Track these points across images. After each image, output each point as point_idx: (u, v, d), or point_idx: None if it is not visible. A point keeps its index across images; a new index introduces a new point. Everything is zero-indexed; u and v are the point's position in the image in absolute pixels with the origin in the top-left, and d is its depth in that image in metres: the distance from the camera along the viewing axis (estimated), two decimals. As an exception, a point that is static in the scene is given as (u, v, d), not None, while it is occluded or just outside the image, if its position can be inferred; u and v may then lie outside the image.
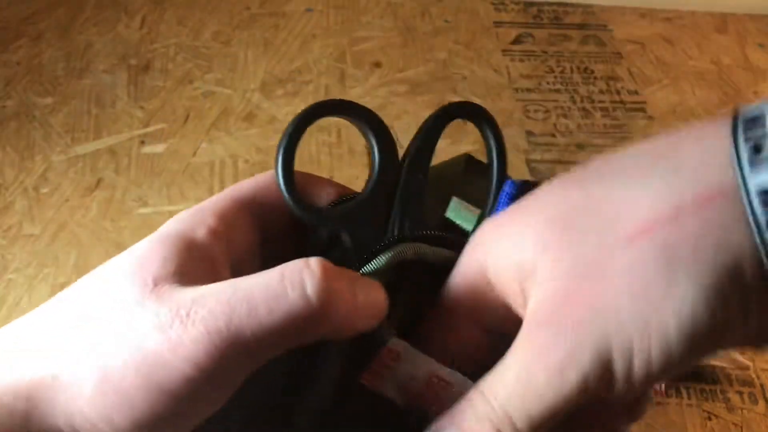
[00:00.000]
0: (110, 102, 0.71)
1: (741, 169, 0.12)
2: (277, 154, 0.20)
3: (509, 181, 0.23)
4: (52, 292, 0.52)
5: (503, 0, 0.91)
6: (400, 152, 0.23)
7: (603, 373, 0.14)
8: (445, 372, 0.19)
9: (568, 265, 0.15)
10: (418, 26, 0.84)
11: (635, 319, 0.14)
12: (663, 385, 0.45)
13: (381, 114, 0.22)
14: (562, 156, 0.67)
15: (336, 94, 0.73)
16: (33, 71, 0.74)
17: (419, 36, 0.83)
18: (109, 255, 0.61)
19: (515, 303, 0.17)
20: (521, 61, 0.80)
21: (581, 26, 0.87)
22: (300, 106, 0.71)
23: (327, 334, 0.17)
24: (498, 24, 0.86)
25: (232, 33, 0.81)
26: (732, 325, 0.14)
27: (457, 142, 0.67)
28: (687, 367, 0.15)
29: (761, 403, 0.46)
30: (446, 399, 0.19)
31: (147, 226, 0.57)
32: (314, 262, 0.17)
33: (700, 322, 0.13)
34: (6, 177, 0.62)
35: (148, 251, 0.18)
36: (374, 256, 0.21)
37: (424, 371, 0.19)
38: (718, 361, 0.45)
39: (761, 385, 0.47)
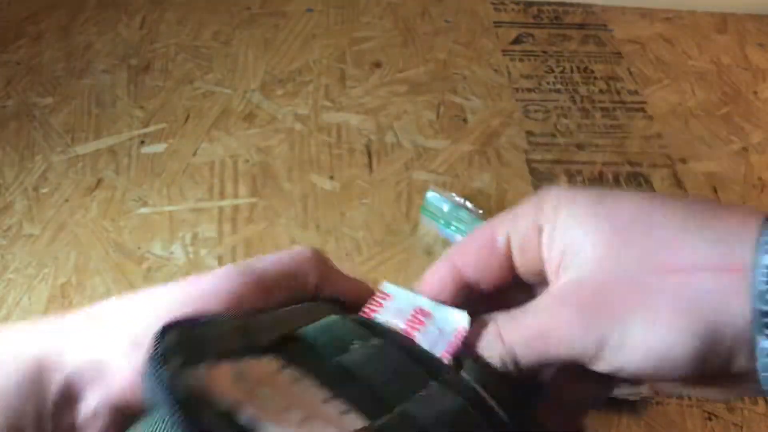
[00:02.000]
0: (110, 102, 0.71)
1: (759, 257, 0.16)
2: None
3: None
4: (52, 293, 0.52)
5: (503, 0, 0.91)
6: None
7: (593, 352, 0.19)
8: (429, 304, 0.22)
9: (611, 265, 0.19)
10: (418, 26, 0.84)
11: (638, 330, 0.18)
12: (663, 385, 0.45)
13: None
14: (562, 156, 0.67)
15: (336, 94, 0.73)
16: (33, 71, 0.74)
17: (419, 36, 0.83)
18: (109, 255, 0.61)
19: (548, 265, 0.21)
20: (521, 61, 0.80)
21: (581, 26, 0.87)
22: (300, 106, 0.71)
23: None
24: (498, 24, 0.86)
25: (232, 33, 0.81)
26: (701, 369, 0.17)
27: (457, 142, 0.67)
28: (648, 380, 0.20)
29: (761, 403, 0.46)
30: (428, 325, 0.22)
31: (147, 226, 0.57)
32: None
33: (671, 356, 0.17)
34: (6, 177, 0.62)
35: None
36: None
37: (410, 305, 0.22)
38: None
39: (761, 385, 0.47)
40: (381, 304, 0.22)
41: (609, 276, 0.19)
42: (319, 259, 0.23)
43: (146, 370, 0.16)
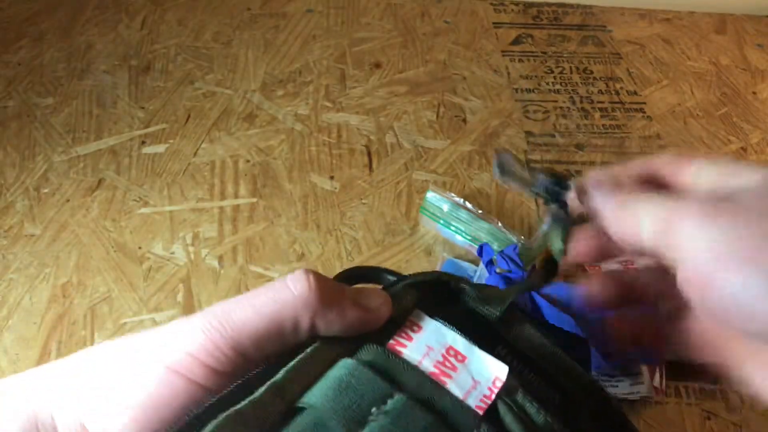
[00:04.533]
0: (111, 102, 0.71)
1: None
2: None
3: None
4: (53, 292, 0.52)
5: (503, 1, 0.91)
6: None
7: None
8: (464, 345, 0.20)
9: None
10: (418, 27, 0.84)
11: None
12: (663, 384, 0.46)
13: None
14: (562, 156, 0.67)
15: (336, 95, 0.73)
16: (34, 71, 0.74)
17: (419, 37, 0.83)
18: (110, 255, 0.61)
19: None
20: (521, 61, 0.80)
21: (580, 27, 0.87)
22: (300, 106, 0.71)
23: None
24: (497, 25, 0.86)
25: (232, 33, 0.81)
26: None
27: (457, 142, 0.67)
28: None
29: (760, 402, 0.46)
30: (461, 372, 0.20)
31: (148, 226, 0.58)
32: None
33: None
34: (7, 177, 0.62)
35: None
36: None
37: (441, 342, 0.20)
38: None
39: (760, 385, 0.47)
40: (411, 337, 0.20)
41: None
42: (315, 292, 0.19)
43: None
